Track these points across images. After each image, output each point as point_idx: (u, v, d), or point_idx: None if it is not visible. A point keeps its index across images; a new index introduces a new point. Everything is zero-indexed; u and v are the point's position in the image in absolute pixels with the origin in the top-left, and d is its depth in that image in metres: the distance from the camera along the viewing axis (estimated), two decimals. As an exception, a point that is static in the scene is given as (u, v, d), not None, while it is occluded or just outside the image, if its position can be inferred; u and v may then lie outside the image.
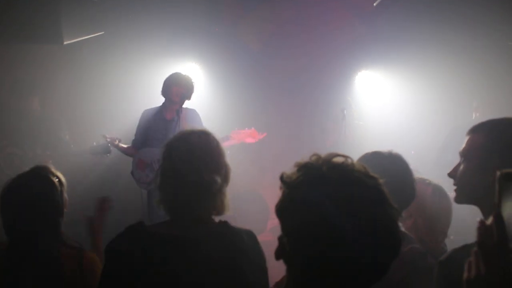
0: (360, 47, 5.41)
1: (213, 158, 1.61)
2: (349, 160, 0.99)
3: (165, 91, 3.90)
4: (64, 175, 2.09)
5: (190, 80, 3.96)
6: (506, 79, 4.73)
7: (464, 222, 2.40)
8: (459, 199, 1.54)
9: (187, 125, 3.77)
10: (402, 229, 1.92)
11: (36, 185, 1.95)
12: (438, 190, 2.09)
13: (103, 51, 4.96)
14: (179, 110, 3.81)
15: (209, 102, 4.00)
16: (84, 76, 4.96)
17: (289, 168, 1.03)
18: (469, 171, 1.50)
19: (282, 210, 1.01)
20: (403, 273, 1.59)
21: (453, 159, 1.62)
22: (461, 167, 1.53)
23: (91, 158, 4.38)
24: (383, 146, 1.89)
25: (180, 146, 1.63)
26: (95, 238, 2.26)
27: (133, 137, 4.13)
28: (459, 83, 5.04)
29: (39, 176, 1.98)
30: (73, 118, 4.76)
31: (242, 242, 1.57)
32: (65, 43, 4.36)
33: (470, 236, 1.50)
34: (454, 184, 1.55)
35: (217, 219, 1.63)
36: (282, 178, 1.02)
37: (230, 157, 1.70)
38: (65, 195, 2.06)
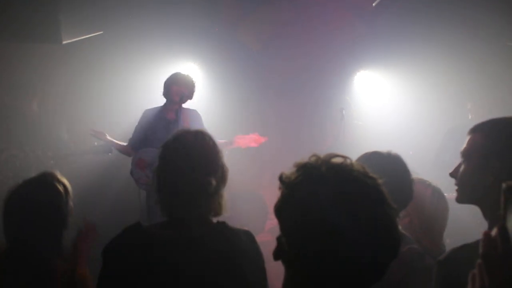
0: (359, 47, 5.41)
1: (209, 159, 1.61)
2: (348, 161, 0.99)
3: (165, 91, 3.89)
4: (65, 175, 2.07)
5: (190, 79, 3.94)
6: (505, 79, 4.74)
7: (463, 223, 2.41)
8: (460, 199, 1.55)
9: (188, 126, 3.76)
10: (401, 229, 1.93)
11: (42, 194, 1.93)
12: (437, 192, 2.10)
13: (102, 50, 4.95)
14: (178, 110, 3.80)
15: (207, 102, 4.00)
16: (83, 75, 4.95)
17: (288, 168, 1.03)
18: (469, 171, 1.50)
19: (281, 210, 1.01)
20: (402, 274, 1.60)
21: (451, 160, 1.62)
22: (462, 167, 1.53)
23: (92, 158, 4.37)
24: (382, 146, 1.89)
25: (175, 147, 1.63)
26: (77, 255, 1.98)
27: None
28: (458, 83, 5.04)
29: (45, 185, 1.97)
30: (72, 117, 4.75)
31: (241, 243, 1.57)
32: (63, 42, 4.35)
33: (468, 237, 1.51)
34: (456, 184, 1.56)
35: (215, 219, 1.63)
36: (281, 178, 1.02)
37: (228, 157, 1.70)
38: (71, 203, 2.04)
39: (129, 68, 5.08)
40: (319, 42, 5.51)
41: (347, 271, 0.92)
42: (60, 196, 1.96)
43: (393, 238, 0.95)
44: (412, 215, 2.01)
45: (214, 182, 1.57)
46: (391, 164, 1.75)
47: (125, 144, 4.08)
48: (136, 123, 4.05)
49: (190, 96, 3.92)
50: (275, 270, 1.22)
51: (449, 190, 2.14)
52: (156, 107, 4.02)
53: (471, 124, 1.56)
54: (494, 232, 0.84)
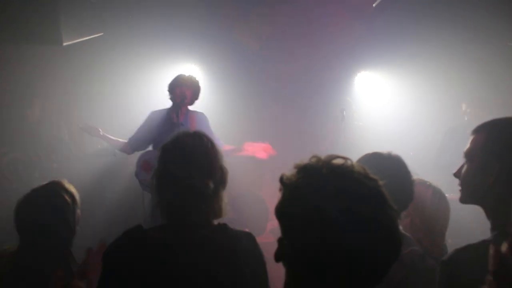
0: (360, 48, 5.41)
1: (207, 161, 1.60)
2: (349, 162, 0.99)
3: (169, 94, 3.84)
4: (68, 178, 2.09)
5: (193, 80, 3.89)
6: (505, 79, 4.74)
7: (464, 223, 2.41)
8: (463, 199, 1.56)
9: (195, 127, 3.75)
10: (402, 231, 1.93)
11: (49, 204, 1.96)
12: (438, 193, 2.10)
13: (102, 52, 4.95)
14: (178, 112, 3.76)
15: (207, 104, 3.99)
16: (83, 77, 4.95)
17: (288, 169, 1.03)
18: (471, 171, 1.51)
19: (281, 211, 1.00)
20: (403, 275, 1.60)
21: (452, 160, 1.63)
22: (465, 167, 1.54)
23: (95, 161, 4.36)
24: (382, 147, 1.89)
25: (173, 149, 1.62)
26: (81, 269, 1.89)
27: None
28: (458, 84, 5.04)
29: (53, 195, 2.00)
30: (73, 119, 4.75)
31: (242, 244, 1.56)
32: (64, 44, 4.35)
33: (470, 237, 1.51)
34: (459, 185, 1.56)
35: (216, 221, 1.62)
36: (281, 180, 1.02)
37: (229, 158, 1.69)
38: (78, 211, 2.07)
39: (130, 69, 5.08)
40: (320, 43, 5.51)
41: (348, 272, 0.92)
42: (67, 205, 1.99)
43: (394, 240, 0.95)
44: (413, 215, 2.01)
45: (212, 185, 1.56)
46: (392, 165, 1.75)
47: (123, 140, 4.04)
48: (141, 123, 4.00)
49: (194, 97, 3.87)
50: (277, 272, 1.22)
51: (450, 190, 2.14)
52: (162, 109, 3.97)
53: (470, 124, 1.57)
54: (504, 247, 0.82)
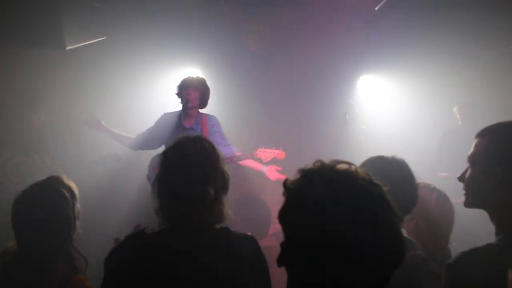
0: (362, 51, 5.41)
1: (208, 167, 1.59)
2: (353, 167, 0.99)
3: (179, 98, 3.73)
4: (77, 183, 2.08)
5: (201, 82, 3.77)
6: (509, 83, 4.73)
7: (468, 224, 2.40)
8: (467, 203, 1.56)
9: (206, 133, 3.71)
10: (406, 235, 1.92)
11: (47, 199, 1.95)
12: (442, 196, 2.09)
13: (105, 56, 4.96)
14: (181, 115, 3.72)
15: (210, 106, 3.98)
16: (86, 81, 4.96)
17: (291, 172, 1.02)
18: (474, 175, 1.51)
19: (285, 216, 1.00)
20: (405, 279, 1.59)
21: (449, 163, 1.64)
22: (468, 171, 1.54)
23: (101, 167, 4.36)
24: (385, 150, 1.89)
25: (174, 155, 1.62)
26: None
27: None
28: (461, 87, 5.03)
29: (51, 190, 1.98)
30: (76, 124, 4.76)
31: (244, 248, 1.56)
32: (67, 48, 4.36)
33: (474, 238, 1.51)
34: (463, 189, 1.56)
35: (218, 225, 1.62)
36: (285, 185, 1.02)
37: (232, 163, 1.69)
38: (78, 205, 2.06)
39: (133, 73, 5.09)
40: (322, 46, 5.51)
41: (351, 279, 0.92)
42: (65, 200, 1.97)
43: (397, 246, 0.95)
44: (418, 218, 2.01)
45: (212, 191, 1.55)
46: (396, 169, 1.75)
47: (127, 135, 4.01)
48: (154, 123, 3.94)
49: (203, 99, 3.76)
50: (279, 275, 1.22)
51: (449, 194, 2.14)
52: (175, 112, 3.85)
53: (464, 128, 1.58)
54: None
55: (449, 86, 5.12)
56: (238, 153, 3.82)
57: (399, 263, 0.95)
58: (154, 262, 1.48)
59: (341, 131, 4.58)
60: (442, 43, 4.92)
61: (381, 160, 1.79)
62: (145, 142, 3.93)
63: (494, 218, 1.48)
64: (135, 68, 5.07)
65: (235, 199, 4.84)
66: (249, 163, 3.83)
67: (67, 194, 1.99)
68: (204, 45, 5.33)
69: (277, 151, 3.79)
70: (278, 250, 1.01)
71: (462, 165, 1.58)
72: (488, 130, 1.53)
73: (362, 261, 0.90)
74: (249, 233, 1.66)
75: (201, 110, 3.85)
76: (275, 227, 5.29)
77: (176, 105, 3.82)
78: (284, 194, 1.02)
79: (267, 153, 3.78)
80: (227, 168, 1.65)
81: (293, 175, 1.02)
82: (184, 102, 3.68)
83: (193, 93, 3.69)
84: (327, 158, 1.02)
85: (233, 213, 1.65)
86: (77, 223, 2.03)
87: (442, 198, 2.08)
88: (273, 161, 3.83)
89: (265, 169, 3.80)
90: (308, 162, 1.02)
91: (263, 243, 1.71)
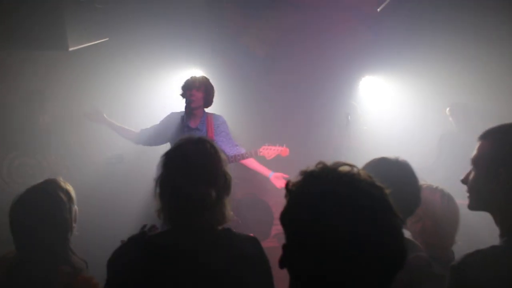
0: (364, 52, 5.41)
1: (209, 169, 1.59)
2: (355, 169, 0.99)
3: (183, 98, 3.71)
4: (79, 186, 2.08)
5: (204, 81, 3.74)
6: (511, 84, 4.72)
7: (473, 229, 2.40)
8: (471, 206, 1.55)
9: (212, 133, 3.70)
10: (410, 236, 1.92)
11: (43, 203, 1.95)
12: (446, 195, 2.09)
13: (108, 57, 4.97)
14: (184, 116, 3.71)
15: (213, 108, 3.98)
16: (88, 82, 4.97)
17: (294, 173, 1.02)
18: (478, 178, 1.51)
19: (286, 218, 1.00)
20: (408, 281, 1.59)
21: (446, 166, 1.64)
22: (472, 174, 1.53)
23: (105, 168, 4.36)
24: (387, 151, 1.89)
25: (176, 156, 1.62)
26: None
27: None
28: (463, 88, 5.02)
29: (47, 193, 1.98)
30: (79, 124, 4.76)
31: (246, 249, 1.56)
32: (70, 49, 4.37)
33: (477, 238, 1.50)
34: (467, 191, 1.56)
35: (220, 226, 1.62)
36: (287, 186, 1.02)
37: (233, 164, 1.69)
38: (75, 207, 2.06)
39: (135, 74, 5.10)
40: (325, 48, 5.51)
41: (353, 281, 0.91)
42: (62, 203, 1.98)
43: (399, 248, 0.94)
44: (424, 219, 2.00)
45: (214, 193, 1.54)
46: (399, 171, 1.74)
47: (130, 128, 4.00)
48: (160, 120, 3.94)
49: (208, 99, 3.73)
50: (281, 276, 1.22)
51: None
52: (182, 112, 3.81)
53: (459, 130, 1.59)
54: None
55: (451, 87, 5.12)
56: (242, 150, 3.81)
57: (401, 265, 0.95)
58: (157, 263, 1.48)
59: (343, 132, 4.58)
60: (444, 44, 4.91)
61: (384, 162, 1.79)
62: (148, 138, 3.92)
63: (498, 220, 1.48)
64: (137, 69, 5.08)
65: (237, 200, 4.83)
66: (256, 167, 3.85)
67: (63, 197, 2.00)
68: (205, 48, 5.33)
69: (280, 148, 3.81)
70: (280, 251, 1.01)
71: (459, 166, 1.58)
72: (491, 132, 1.52)
73: (364, 263, 0.90)
74: (251, 234, 1.66)
75: (207, 110, 3.83)
76: (277, 228, 5.29)
77: (180, 105, 3.81)
78: (286, 196, 1.02)
79: (270, 150, 3.80)
80: (229, 169, 1.65)
81: (295, 177, 1.02)
82: (188, 103, 3.67)
83: (196, 94, 3.67)
84: (329, 160, 1.02)
85: (235, 214, 1.65)
86: (74, 225, 2.04)
87: (446, 197, 2.08)
88: (277, 158, 3.85)
89: (271, 175, 3.81)
90: (310, 163, 1.02)
91: (265, 244, 1.70)
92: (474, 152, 1.54)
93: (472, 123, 4.70)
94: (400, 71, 5.38)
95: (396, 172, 1.72)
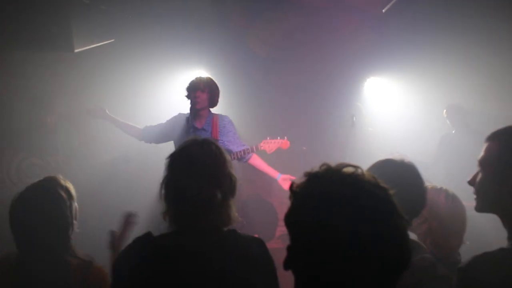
0: (369, 53, 5.40)
1: (215, 170, 1.59)
2: (359, 170, 0.99)
3: (188, 99, 3.69)
4: (86, 186, 2.09)
5: (209, 82, 3.74)
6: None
7: (481, 231, 2.40)
8: (479, 208, 1.54)
9: (217, 134, 3.71)
10: (415, 238, 1.91)
11: (43, 200, 1.96)
12: (450, 195, 2.08)
13: (113, 58, 4.99)
14: (189, 118, 3.70)
15: (217, 109, 3.99)
16: (94, 83, 4.99)
17: (298, 174, 1.02)
18: (486, 180, 1.49)
19: (291, 220, 1.00)
20: (413, 282, 1.58)
21: (446, 167, 1.63)
22: (479, 176, 1.52)
23: (111, 169, 4.38)
24: (392, 152, 1.89)
25: (181, 158, 1.62)
26: (114, 252, 2.21)
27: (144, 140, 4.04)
28: (469, 90, 5.00)
29: (46, 191, 1.99)
30: (84, 126, 4.79)
31: (251, 250, 1.56)
32: (76, 51, 4.39)
33: (488, 244, 1.50)
34: (474, 193, 1.55)
35: (225, 227, 1.62)
36: (291, 188, 1.02)
37: (238, 165, 1.69)
38: (75, 205, 2.07)
39: (141, 75, 5.12)
40: (329, 49, 5.50)
41: (357, 281, 0.91)
42: (61, 200, 1.98)
43: (404, 249, 0.94)
44: (430, 220, 2.00)
45: (219, 195, 1.55)
46: (405, 172, 1.74)
47: (133, 125, 4.01)
48: (166, 120, 3.94)
49: (213, 99, 3.73)
50: (287, 277, 1.22)
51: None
52: (188, 113, 3.80)
53: (457, 132, 1.57)
54: None
55: (456, 88, 5.10)
56: (242, 149, 3.81)
57: (406, 266, 0.95)
58: (162, 264, 1.48)
59: (348, 133, 4.57)
60: (449, 46, 4.90)
61: (390, 163, 1.78)
62: (152, 136, 3.93)
63: (506, 222, 1.47)
64: (142, 70, 5.10)
65: (242, 201, 4.84)
66: (264, 168, 3.86)
67: (63, 194, 2.00)
68: (209, 49, 5.34)
69: (281, 141, 3.82)
70: (284, 252, 1.01)
71: (457, 167, 1.58)
72: (498, 134, 1.51)
73: (369, 264, 0.90)
74: (256, 235, 1.66)
75: (212, 110, 3.84)
76: (282, 229, 5.29)
77: (186, 106, 3.80)
78: (290, 197, 1.02)
79: (271, 144, 3.82)
80: (235, 170, 1.65)
81: (299, 178, 1.02)
82: (193, 104, 3.67)
83: (201, 95, 3.67)
84: (334, 161, 1.02)
85: (240, 215, 1.65)
86: (75, 222, 2.05)
87: (451, 198, 2.07)
88: (284, 159, 3.85)
89: (279, 177, 3.82)
90: (314, 165, 1.02)
91: (270, 245, 1.70)
92: (481, 153, 1.53)
93: (467, 123, 4.72)
94: (405, 72, 5.37)
95: (402, 173, 1.72)
